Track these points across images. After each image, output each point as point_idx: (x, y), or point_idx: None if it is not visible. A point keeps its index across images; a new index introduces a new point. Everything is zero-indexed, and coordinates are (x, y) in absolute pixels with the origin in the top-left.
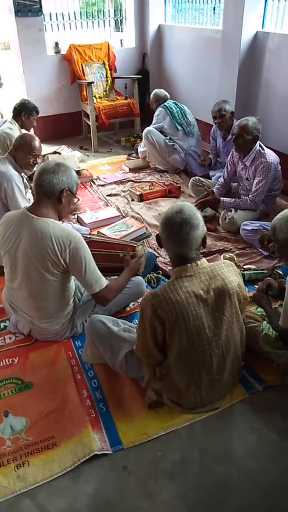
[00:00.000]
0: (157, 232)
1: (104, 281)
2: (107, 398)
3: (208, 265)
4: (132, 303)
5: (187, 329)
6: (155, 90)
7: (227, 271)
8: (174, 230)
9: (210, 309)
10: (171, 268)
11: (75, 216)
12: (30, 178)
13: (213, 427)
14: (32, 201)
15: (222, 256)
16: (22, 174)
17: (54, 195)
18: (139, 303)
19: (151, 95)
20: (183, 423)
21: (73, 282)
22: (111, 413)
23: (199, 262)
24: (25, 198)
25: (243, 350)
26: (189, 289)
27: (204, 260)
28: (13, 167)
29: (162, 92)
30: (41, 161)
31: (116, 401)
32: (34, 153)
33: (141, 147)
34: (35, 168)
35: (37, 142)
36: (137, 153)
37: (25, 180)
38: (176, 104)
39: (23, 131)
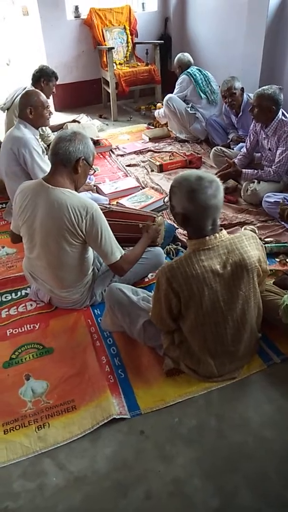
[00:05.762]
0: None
1: (120, 252)
2: (126, 365)
3: (227, 237)
4: (150, 274)
5: (202, 303)
6: (179, 55)
7: (247, 245)
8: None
9: (226, 284)
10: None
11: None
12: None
13: (230, 396)
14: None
15: (243, 228)
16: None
17: (70, 164)
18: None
19: (175, 60)
20: (200, 391)
21: (91, 252)
22: (129, 379)
23: (217, 234)
24: (44, 161)
25: (259, 324)
26: (206, 264)
27: (224, 232)
28: (29, 131)
29: (185, 57)
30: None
31: (134, 368)
32: (47, 105)
33: (159, 114)
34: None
35: (41, 95)
36: (155, 119)
37: (41, 144)
38: (200, 70)
39: None
